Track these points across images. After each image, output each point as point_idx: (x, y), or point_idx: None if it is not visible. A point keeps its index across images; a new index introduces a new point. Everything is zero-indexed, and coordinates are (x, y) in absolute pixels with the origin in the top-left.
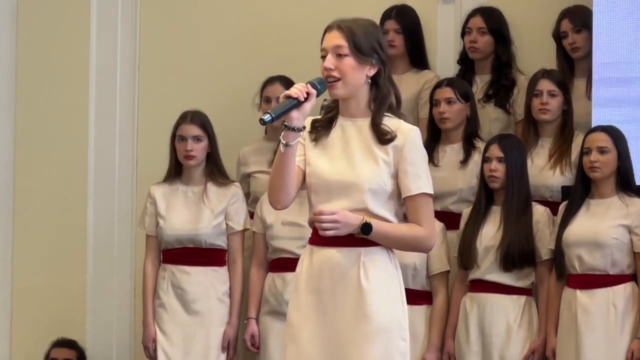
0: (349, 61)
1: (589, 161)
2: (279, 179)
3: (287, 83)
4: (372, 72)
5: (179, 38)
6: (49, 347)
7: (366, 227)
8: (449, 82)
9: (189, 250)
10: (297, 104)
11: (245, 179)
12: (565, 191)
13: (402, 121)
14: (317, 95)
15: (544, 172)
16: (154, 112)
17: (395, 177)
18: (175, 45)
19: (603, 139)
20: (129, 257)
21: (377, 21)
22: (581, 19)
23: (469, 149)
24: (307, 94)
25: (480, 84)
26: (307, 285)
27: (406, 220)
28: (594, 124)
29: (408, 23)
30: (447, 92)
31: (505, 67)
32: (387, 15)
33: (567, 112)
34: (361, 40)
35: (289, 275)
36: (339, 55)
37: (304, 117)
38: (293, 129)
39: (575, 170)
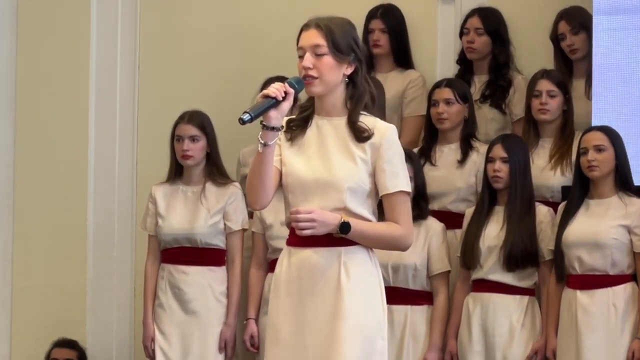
0: (328, 60)
1: (587, 160)
2: (258, 179)
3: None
4: (349, 70)
5: (179, 38)
6: (50, 347)
7: (344, 226)
8: (448, 83)
9: (186, 250)
10: (275, 103)
11: (245, 180)
12: (566, 191)
13: (377, 119)
14: (295, 94)
15: (545, 172)
16: (154, 112)
17: (373, 175)
18: (175, 45)
19: (599, 138)
20: (129, 257)
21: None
22: (578, 20)
23: (466, 149)
24: (285, 93)
25: (478, 84)
26: (286, 287)
27: (383, 219)
28: (593, 125)
29: (393, 22)
30: (446, 93)
31: (502, 68)
32: (372, 15)
33: (567, 112)
34: (339, 38)
35: None
36: (318, 55)
37: (282, 117)
38: (271, 129)
39: None
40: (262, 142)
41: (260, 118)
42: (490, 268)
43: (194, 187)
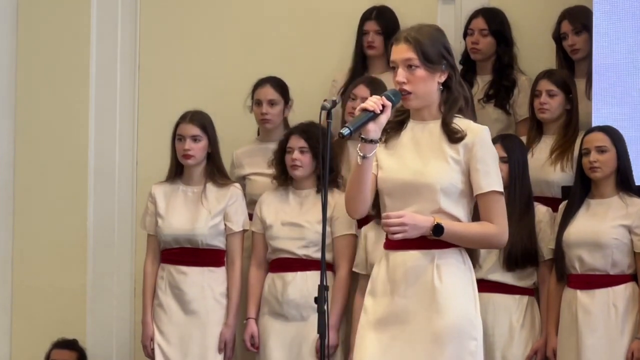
0: (420, 72)
1: (589, 162)
2: (357, 190)
3: (278, 84)
4: (442, 78)
5: (179, 38)
6: (50, 348)
7: (438, 229)
8: None
9: (186, 251)
10: (373, 116)
11: (241, 182)
12: (565, 191)
13: (471, 121)
14: (392, 107)
15: (545, 167)
16: (154, 112)
17: (466, 175)
18: (175, 45)
19: (601, 139)
20: (129, 257)
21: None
22: (581, 20)
23: None
24: (383, 106)
25: (481, 84)
26: (382, 288)
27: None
28: (594, 125)
29: (388, 24)
30: None
31: (506, 68)
32: (367, 17)
33: (571, 111)
34: (429, 49)
35: (288, 276)
36: (410, 67)
37: (380, 129)
38: (370, 141)
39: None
40: (361, 154)
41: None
42: (490, 268)
43: (194, 187)
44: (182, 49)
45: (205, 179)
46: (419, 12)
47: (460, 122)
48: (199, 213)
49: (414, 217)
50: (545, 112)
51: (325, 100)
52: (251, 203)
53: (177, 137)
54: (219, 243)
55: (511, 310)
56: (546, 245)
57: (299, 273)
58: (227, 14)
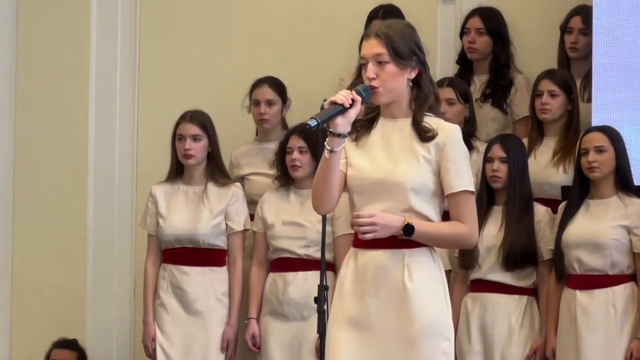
0: (390, 68)
1: (587, 161)
2: (324, 185)
3: (276, 84)
4: (412, 74)
5: (179, 38)
6: (50, 347)
7: (408, 229)
8: (450, 83)
9: (188, 250)
10: (342, 110)
11: (239, 182)
12: (565, 191)
13: (442, 120)
14: (362, 103)
15: (547, 169)
16: (154, 112)
17: (437, 175)
18: (175, 45)
19: (600, 139)
20: (129, 257)
21: (364, 20)
22: (591, 22)
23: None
24: (353, 100)
25: (478, 83)
26: (351, 287)
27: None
28: (593, 125)
29: None
30: (448, 93)
31: (503, 67)
32: (373, 16)
33: (572, 111)
34: (399, 45)
35: (289, 275)
36: (380, 63)
37: (348, 124)
38: (338, 135)
39: None
40: (329, 148)
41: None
42: (489, 268)
43: (195, 187)
44: (182, 49)
45: (206, 178)
46: (419, 12)
47: (431, 121)
48: (201, 213)
49: (385, 217)
50: (547, 112)
51: (324, 100)
52: (250, 203)
53: (177, 136)
54: (221, 243)
55: (510, 310)
56: (545, 245)
57: (299, 273)
58: (227, 14)
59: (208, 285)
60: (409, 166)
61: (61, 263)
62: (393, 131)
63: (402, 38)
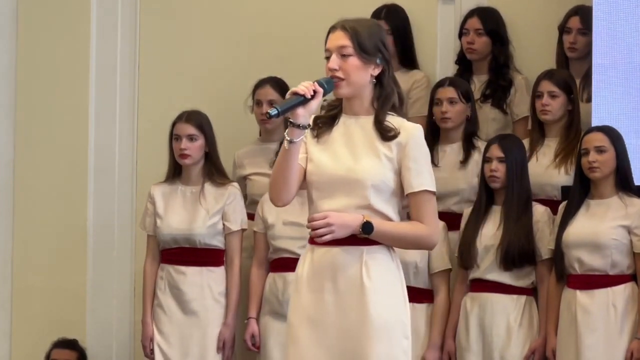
0: (354, 61)
1: (588, 162)
2: (282, 176)
3: (278, 85)
4: (376, 71)
5: (179, 38)
6: (50, 347)
7: (367, 227)
8: (451, 82)
9: (185, 250)
10: (303, 101)
11: (242, 182)
12: (565, 191)
13: (404, 120)
14: (324, 95)
15: (549, 170)
16: (154, 112)
17: (398, 174)
18: (175, 45)
19: (600, 139)
20: (129, 257)
21: None
22: (590, 22)
23: (468, 148)
24: (314, 91)
25: (477, 84)
26: (308, 285)
27: (409, 218)
28: (593, 125)
29: (398, 23)
30: (450, 92)
31: (502, 68)
32: (376, 15)
33: (572, 112)
34: (365, 40)
35: (290, 275)
36: (344, 56)
37: (309, 115)
38: (298, 126)
39: None
40: (288, 139)
41: (288, 115)
42: (488, 268)
43: (192, 187)
44: (182, 49)
45: (204, 178)
46: (419, 12)
47: (394, 120)
48: (197, 213)
49: (341, 216)
50: (548, 113)
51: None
52: (252, 203)
53: (173, 136)
54: (218, 242)
55: (509, 310)
56: (544, 245)
57: None
58: (227, 14)
59: (205, 285)
60: (370, 163)
61: (61, 263)
62: (355, 128)
63: (369, 34)
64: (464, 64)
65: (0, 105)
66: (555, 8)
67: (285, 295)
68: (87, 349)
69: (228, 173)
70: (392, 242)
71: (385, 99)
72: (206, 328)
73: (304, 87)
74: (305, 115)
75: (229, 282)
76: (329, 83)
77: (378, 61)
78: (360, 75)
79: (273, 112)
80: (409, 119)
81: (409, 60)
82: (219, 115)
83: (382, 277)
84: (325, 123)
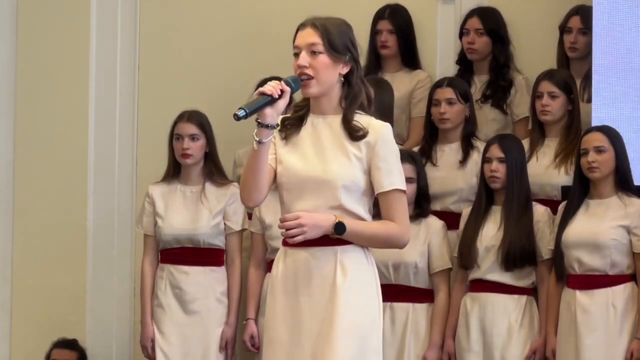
0: (324, 59)
1: (587, 162)
2: (252, 177)
3: None
4: (344, 70)
5: (179, 38)
6: (50, 347)
7: (339, 227)
8: (449, 82)
9: (187, 250)
10: (270, 101)
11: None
12: (565, 191)
13: (372, 118)
14: (291, 93)
15: (549, 170)
16: (154, 112)
17: (368, 173)
18: (175, 45)
19: (599, 139)
20: (129, 257)
21: (365, 21)
22: (591, 22)
23: (467, 148)
24: (281, 91)
25: (478, 84)
26: (282, 287)
27: (379, 217)
28: (593, 125)
29: (401, 23)
30: (448, 93)
31: (503, 68)
32: (380, 16)
33: (572, 112)
34: (335, 38)
35: None
36: (313, 53)
37: (277, 115)
38: (266, 126)
39: None
40: (257, 139)
41: (255, 115)
42: (488, 268)
43: (192, 186)
44: (182, 49)
45: (204, 178)
46: (419, 12)
47: (361, 119)
48: (200, 212)
49: (313, 217)
50: (547, 114)
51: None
52: None
53: (174, 136)
54: (220, 242)
55: (509, 310)
56: (544, 245)
57: None
58: (227, 14)
59: (207, 285)
60: (339, 164)
61: (61, 263)
62: (323, 127)
63: (338, 32)
64: (465, 64)
65: (0, 105)
66: (555, 8)
67: None
68: (87, 349)
69: (227, 173)
70: (364, 242)
71: (354, 98)
72: (208, 328)
73: (271, 87)
74: (274, 114)
75: (230, 282)
76: (296, 82)
77: (347, 60)
78: (330, 74)
79: (241, 113)
80: (412, 119)
81: (411, 60)
82: (218, 115)
83: (357, 276)
84: (293, 124)
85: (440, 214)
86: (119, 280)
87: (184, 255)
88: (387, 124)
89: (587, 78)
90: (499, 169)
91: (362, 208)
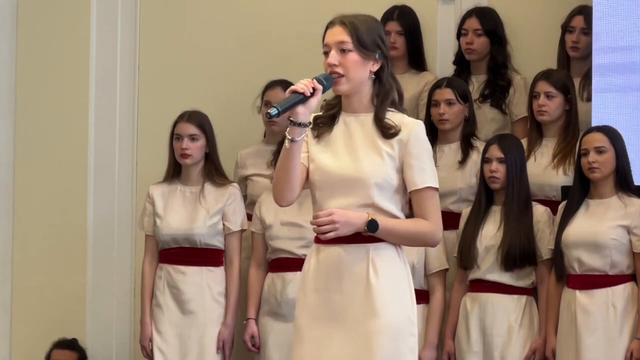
0: (353, 56)
1: (588, 162)
2: (285, 175)
3: (288, 87)
4: (375, 67)
5: (179, 38)
6: (50, 347)
7: (372, 224)
8: (448, 83)
9: (185, 250)
10: (303, 99)
11: (243, 182)
12: (565, 191)
13: (405, 115)
14: (323, 91)
15: (547, 171)
16: (154, 112)
17: (400, 171)
18: (175, 45)
19: (600, 139)
20: (129, 257)
21: None
22: (591, 22)
23: (467, 148)
24: (313, 89)
25: (476, 84)
26: (314, 284)
27: (411, 215)
28: (593, 125)
29: (409, 24)
30: (447, 93)
31: (501, 68)
32: (388, 17)
33: (570, 112)
34: (364, 35)
35: (288, 275)
36: (343, 51)
37: (309, 113)
38: (299, 125)
39: None
40: (290, 137)
41: (288, 114)
42: (488, 268)
43: (192, 187)
44: (182, 49)
45: (204, 178)
46: (419, 12)
47: (394, 117)
48: (197, 212)
49: (345, 214)
50: (545, 114)
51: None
52: (252, 204)
53: (174, 136)
54: (218, 243)
55: (509, 310)
56: (544, 245)
57: (298, 273)
58: (227, 14)
59: (204, 285)
60: (372, 162)
61: (61, 263)
62: (355, 126)
63: (367, 29)
64: (462, 64)
65: (0, 105)
66: (553, 8)
67: (284, 295)
68: (87, 349)
69: (229, 173)
70: (396, 240)
71: (385, 95)
72: (205, 328)
73: (303, 84)
74: (306, 113)
75: (229, 283)
76: (328, 79)
77: (377, 57)
78: (360, 71)
79: (273, 111)
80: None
81: (418, 61)
82: (218, 115)
83: (389, 274)
84: (325, 122)
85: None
86: (119, 280)
87: (182, 255)
88: (420, 122)
89: (587, 76)
90: (498, 169)
91: (394, 206)
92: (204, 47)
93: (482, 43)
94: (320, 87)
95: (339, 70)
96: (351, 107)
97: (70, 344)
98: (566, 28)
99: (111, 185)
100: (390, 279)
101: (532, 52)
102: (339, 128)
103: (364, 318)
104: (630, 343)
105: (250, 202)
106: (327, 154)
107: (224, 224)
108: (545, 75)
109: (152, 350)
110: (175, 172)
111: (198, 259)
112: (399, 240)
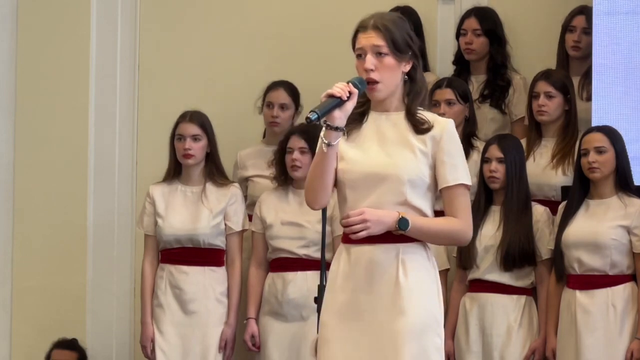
0: (389, 60)
1: (587, 162)
2: (320, 179)
3: (290, 89)
4: (407, 67)
5: (179, 38)
6: (50, 347)
7: (403, 222)
8: (448, 83)
9: (188, 250)
10: (339, 102)
11: (243, 183)
12: (565, 191)
13: (435, 114)
14: (358, 95)
15: (547, 171)
16: (154, 112)
17: (433, 168)
18: (175, 45)
19: (600, 139)
20: (129, 257)
21: None
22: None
23: (467, 148)
24: (349, 92)
25: (475, 84)
26: (342, 284)
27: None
28: (593, 125)
29: (413, 25)
30: (448, 94)
31: (500, 68)
32: None
33: (569, 112)
34: (398, 37)
35: (289, 275)
36: (379, 54)
37: (345, 117)
38: (335, 129)
39: None
40: (326, 142)
41: (324, 118)
42: (487, 268)
43: (193, 187)
44: (182, 49)
45: (205, 178)
46: (419, 12)
47: (425, 114)
48: (201, 213)
49: (376, 213)
50: (544, 114)
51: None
52: (253, 204)
53: (176, 136)
54: (220, 243)
55: (509, 310)
56: (544, 245)
57: (299, 273)
58: (228, 14)
59: (207, 285)
60: (404, 158)
61: (61, 263)
62: (386, 124)
63: (399, 30)
64: (462, 64)
65: (0, 105)
66: (553, 8)
67: (284, 295)
68: (87, 349)
69: (229, 173)
70: (427, 238)
71: (417, 94)
72: (207, 328)
73: (340, 89)
74: (342, 117)
75: (230, 282)
76: (362, 83)
77: (409, 57)
78: (395, 75)
79: (313, 116)
80: None
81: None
82: (217, 116)
83: (418, 276)
84: (354, 119)
85: (440, 214)
86: (119, 280)
87: (184, 255)
88: (451, 120)
89: (587, 76)
90: (498, 169)
91: (426, 204)
92: (204, 48)
93: (481, 43)
94: (356, 91)
95: (375, 76)
96: (382, 106)
97: (70, 344)
98: (567, 27)
99: (111, 185)
100: (418, 280)
101: (531, 52)
102: (368, 126)
103: (391, 318)
104: (630, 343)
105: (250, 203)
106: (357, 151)
107: (225, 224)
108: (545, 76)
109: (153, 351)
110: (175, 172)
111: (200, 259)
112: (430, 239)
